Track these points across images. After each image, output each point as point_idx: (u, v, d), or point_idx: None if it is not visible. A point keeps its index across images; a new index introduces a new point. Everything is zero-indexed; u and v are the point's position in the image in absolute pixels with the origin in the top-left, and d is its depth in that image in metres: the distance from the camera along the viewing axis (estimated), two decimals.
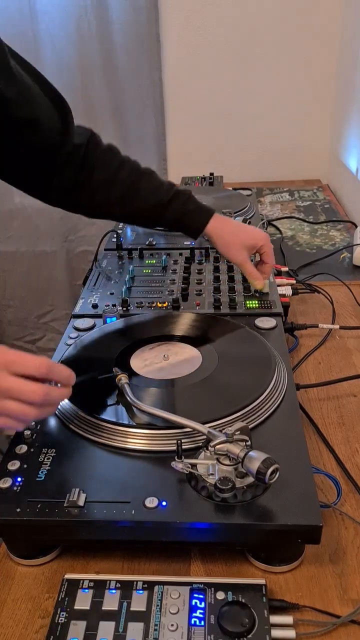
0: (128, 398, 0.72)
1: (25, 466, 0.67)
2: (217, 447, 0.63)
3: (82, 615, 0.56)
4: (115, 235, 1.33)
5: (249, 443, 0.63)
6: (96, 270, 1.20)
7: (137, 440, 0.69)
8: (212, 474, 0.63)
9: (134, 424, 0.71)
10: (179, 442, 0.64)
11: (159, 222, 1.05)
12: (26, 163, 0.91)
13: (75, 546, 0.67)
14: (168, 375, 0.81)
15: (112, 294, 1.09)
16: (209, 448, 0.63)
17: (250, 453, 0.61)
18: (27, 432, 0.72)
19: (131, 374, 0.80)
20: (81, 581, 0.59)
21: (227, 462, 0.63)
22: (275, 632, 0.54)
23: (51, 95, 0.89)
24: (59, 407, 0.75)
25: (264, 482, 0.60)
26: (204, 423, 0.68)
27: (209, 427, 0.68)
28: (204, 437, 0.66)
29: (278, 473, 0.60)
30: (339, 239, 1.53)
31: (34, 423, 0.73)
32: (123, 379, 0.75)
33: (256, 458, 0.60)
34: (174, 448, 0.64)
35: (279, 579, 0.62)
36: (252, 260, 1.05)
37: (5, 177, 0.92)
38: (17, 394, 0.60)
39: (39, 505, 0.62)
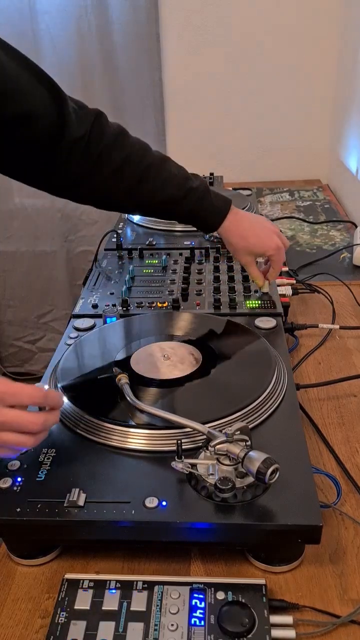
0: (128, 398, 0.72)
1: (25, 466, 0.67)
2: (217, 447, 0.63)
3: (82, 615, 0.56)
4: (115, 235, 1.33)
5: (249, 443, 0.63)
6: (96, 270, 1.20)
7: (137, 440, 0.69)
8: (212, 474, 0.63)
9: (134, 424, 0.71)
10: (179, 442, 0.64)
11: (171, 217, 1.02)
12: (25, 159, 0.86)
13: (75, 546, 0.67)
14: (168, 375, 0.81)
15: (112, 294, 1.09)
16: (209, 448, 0.63)
17: (250, 453, 0.61)
18: None
19: (131, 374, 0.80)
20: (81, 581, 0.59)
21: (227, 462, 0.63)
22: (275, 632, 0.54)
23: (46, 85, 0.81)
24: None
25: (264, 482, 0.60)
26: (204, 423, 0.68)
27: (209, 427, 0.68)
28: (204, 437, 0.66)
29: (278, 473, 0.60)
30: (339, 239, 1.53)
31: None
32: (123, 379, 0.75)
33: (256, 458, 0.60)
34: (174, 448, 0.64)
35: (279, 579, 0.62)
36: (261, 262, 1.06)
37: (5, 172, 0.88)
38: (16, 426, 0.61)
39: (39, 505, 0.62)
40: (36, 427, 0.61)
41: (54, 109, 0.82)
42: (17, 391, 0.61)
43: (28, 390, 0.62)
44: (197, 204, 0.96)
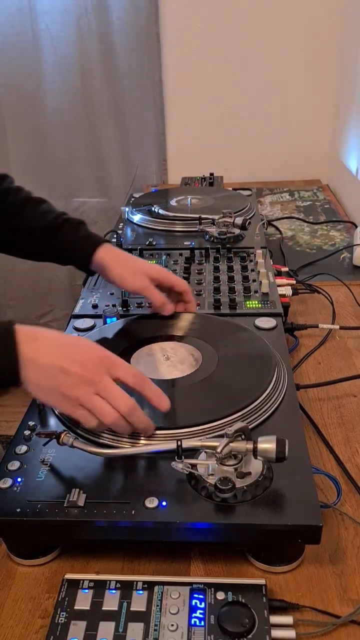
0: (89, 450, 0.67)
1: (25, 466, 0.67)
2: (224, 451, 0.62)
3: (82, 615, 0.56)
4: (115, 236, 1.32)
5: (243, 436, 0.63)
6: None
7: (137, 440, 0.69)
8: (212, 474, 0.63)
9: None
10: (179, 442, 0.64)
11: (48, 250, 1.01)
12: None
13: (75, 546, 0.67)
14: (167, 375, 0.81)
15: (112, 294, 1.09)
16: (217, 455, 0.62)
17: (260, 442, 0.61)
18: (27, 432, 0.72)
19: None
20: (81, 581, 0.59)
21: (230, 462, 0.63)
22: (275, 632, 0.54)
23: None
24: None
25: (284, 459, 0.61)
26: (204, 423, 0.69)
27: (209, 427, 0.68)
28: (204, 437, 0.67)
29: (288, 446, 0.62)
30: (339, 239, 1.53)
31: (33, 423, 0.74)
32: (67, 438, 0.68)
33: (269, 442, 0.61)
34: (174, 448, 0.64)
35: (279, 579, 0.62)
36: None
37: None
38: (109, 395, 0.64)
39: (39, 505, 0.62)
40: (125, 406, 0.64)
41: None
42: (124, 366, 0.67)
43: (133, 369, 0.68)
44: (73, 233, 0.98)
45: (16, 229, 1.00)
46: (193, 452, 0.66)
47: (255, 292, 1.07)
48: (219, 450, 0.62)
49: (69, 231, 0.98)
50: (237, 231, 1.31)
